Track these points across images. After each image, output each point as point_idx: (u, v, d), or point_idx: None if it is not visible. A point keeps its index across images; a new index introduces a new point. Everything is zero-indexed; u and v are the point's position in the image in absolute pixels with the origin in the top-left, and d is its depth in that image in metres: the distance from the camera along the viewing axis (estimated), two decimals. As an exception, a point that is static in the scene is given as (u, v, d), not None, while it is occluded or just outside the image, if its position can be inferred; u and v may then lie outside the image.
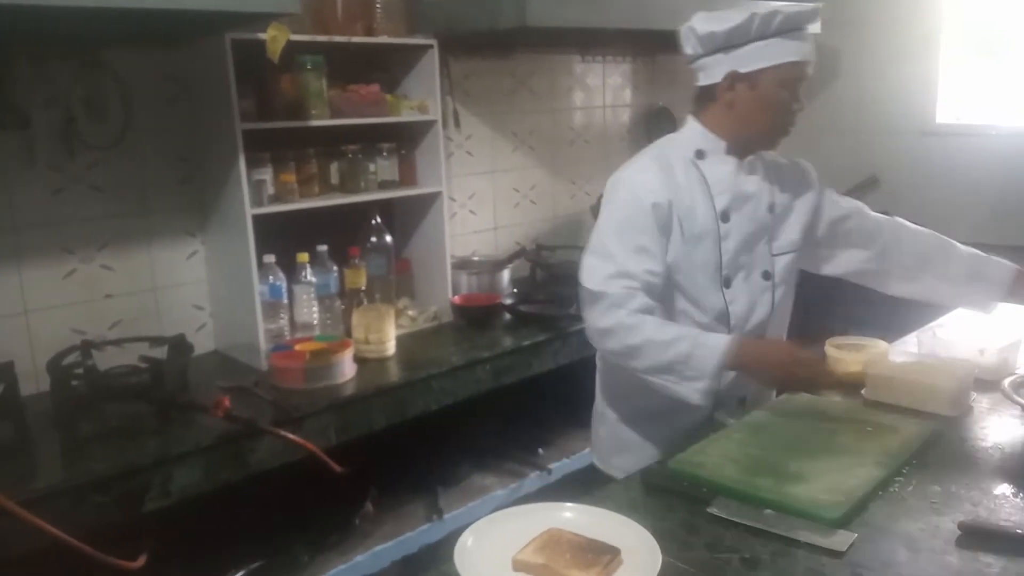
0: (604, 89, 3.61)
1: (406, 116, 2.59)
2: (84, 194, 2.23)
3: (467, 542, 1.17)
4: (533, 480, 2.57)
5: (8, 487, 1.59)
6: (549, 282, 3.02)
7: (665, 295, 1.70)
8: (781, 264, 1.78)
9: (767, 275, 1.77)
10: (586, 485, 2.48)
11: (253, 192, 2.25)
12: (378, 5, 2.59)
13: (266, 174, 2.32)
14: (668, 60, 3.75)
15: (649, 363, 1.60)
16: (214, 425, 1.88)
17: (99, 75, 2.20)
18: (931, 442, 1.55)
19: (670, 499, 1.36)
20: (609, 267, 1.63)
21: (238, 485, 1.89)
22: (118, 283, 2.31)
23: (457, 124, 3.02)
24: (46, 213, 2.18)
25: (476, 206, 3.18)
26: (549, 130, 3.41)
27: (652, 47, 3.55)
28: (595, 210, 3.43)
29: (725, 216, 1.71)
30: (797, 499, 1.31)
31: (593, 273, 1.65)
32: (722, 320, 1.74)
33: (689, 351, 1.56)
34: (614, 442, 1.90)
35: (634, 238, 1.64)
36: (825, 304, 3.29)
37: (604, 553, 1.14)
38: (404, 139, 2.68)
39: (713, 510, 1.30)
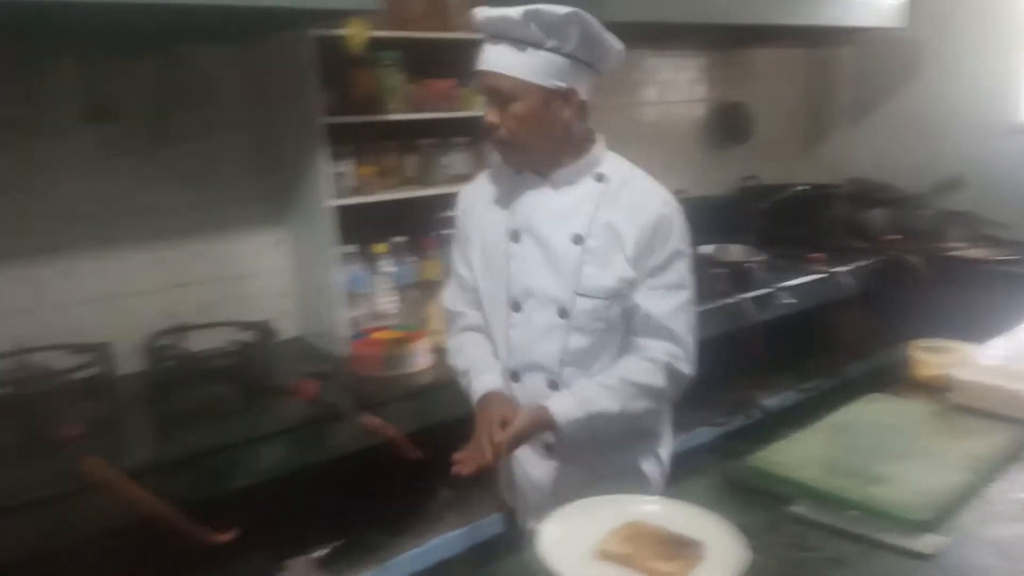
0: (677, 84, 3.58)
1: (479, 110, 2.61)
2: (173, 184, 2.32)
3: (549, 531, 1.19)
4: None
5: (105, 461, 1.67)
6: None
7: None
8: (584, 307, 1.54)
9: (564, 313, 1.55)
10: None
11: (335, 184, 2.31)
12: (455, 0, 2.62)
13: (347, 166, 2.38)
14: (743, 54, 3.70)
15: (459, 384, 1.70)
16: (298, 408, 1.95)
17: (186, 70, 2.29)
18: (1021, 448, 1.51)
19: (751, 496, 1.36)
20: (449, 280, 1.76)
21: (320, 466, 1.95)
22: (206, 269, 2.40)
23: (530, 118, 3.03)
24: (139, 201, 2.27)
25: (547, 200, 3.19)
26: (619, 126, 3.35)
27: (727, 40, 3.50)
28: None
29: (515, 235, 1.59)
30: (883, 501, 1.29)
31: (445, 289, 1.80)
32: (504, 345, 1.63)
33: (467, 386, 1.64)
34: None
35: (457, 246, 1.73)
36: (909, 306, 3.22)
37: (688, 546, 1.14)
38: (478, 133, 2.70)
39: (796, 509, 1.30)
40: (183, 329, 2.14)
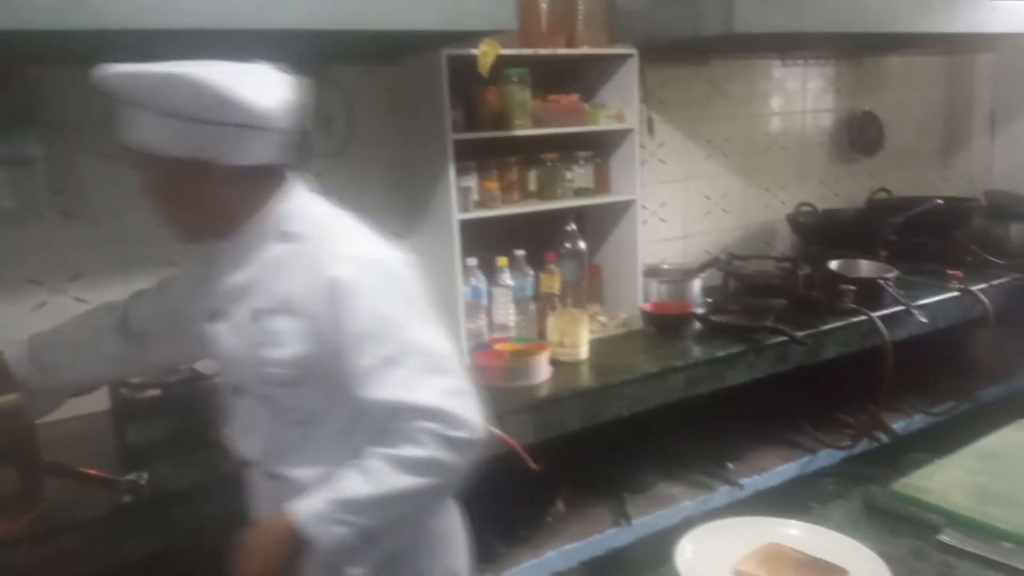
0: (804, 93, 3.49)
1: (603, 125, 2.63)
2: (312, 198, 2.44)
3: (686, 548, 1.19)
4: (722, 494, 2.52)
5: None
6: (742, 292, 2.96)
7: None
8: (275, 393, 1.35)
9: (263, 400, 1.37)
10: (780, 503, 2.42)
11: (460, 198, 2.37)
12: (580, 17, 2.66)
13: (472, 181, 2.44)
14: (874, 62, 3.57)
15: None
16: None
17: (327, 89, 2.40)
18: None
19: (894, 523, 1.31)
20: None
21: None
22: (337, 280, 2.51)
23: (651, 132, 3.03)
24: (279, 215, 2.40)
25: (666, 214, 3.17)
26: (744, 137, 3.34)
27: (858, 49, 3.39)
28: (791, 219, 3.34)
29: (212, 316, 1.41)
30: (1040, 535, 1.22)
31: None
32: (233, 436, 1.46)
33: None
34: None
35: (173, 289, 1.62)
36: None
37: (829, 572, 1.12)
38: (600, 147, 2.72)
39: (944, 538, 1.24)
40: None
